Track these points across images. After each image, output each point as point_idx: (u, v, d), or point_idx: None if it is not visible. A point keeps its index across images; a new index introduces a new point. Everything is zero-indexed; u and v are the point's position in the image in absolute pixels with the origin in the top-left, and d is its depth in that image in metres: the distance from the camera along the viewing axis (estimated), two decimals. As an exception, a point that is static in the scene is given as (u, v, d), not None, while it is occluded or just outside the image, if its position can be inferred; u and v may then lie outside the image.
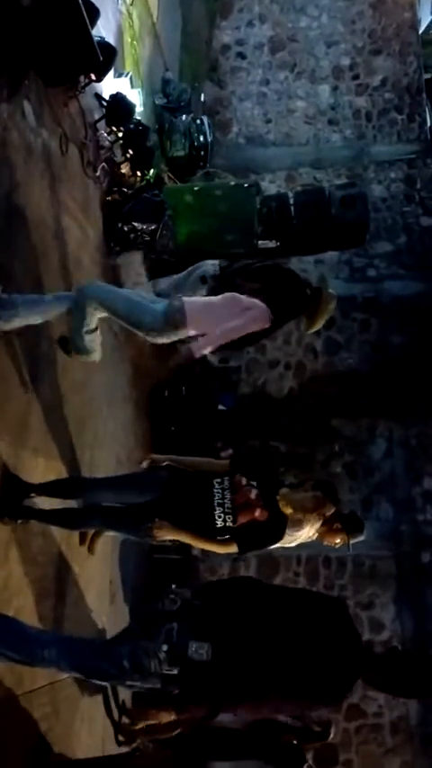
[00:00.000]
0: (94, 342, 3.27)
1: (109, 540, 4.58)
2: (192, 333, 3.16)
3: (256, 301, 3.23)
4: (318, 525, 3.58)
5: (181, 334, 3.17)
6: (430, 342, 7.49)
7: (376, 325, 7.73)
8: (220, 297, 3.29)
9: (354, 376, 7.53)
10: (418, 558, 6.84)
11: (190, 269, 3.77)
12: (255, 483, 3.01)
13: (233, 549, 2.95)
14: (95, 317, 3.16)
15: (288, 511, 3.03)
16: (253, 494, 3.00)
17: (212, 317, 3.17)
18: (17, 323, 3.10)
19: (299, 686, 2.46)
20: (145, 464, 3.19)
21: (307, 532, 3.61)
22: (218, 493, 3.00)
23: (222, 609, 2.65)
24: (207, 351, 3.27)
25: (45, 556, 3.49)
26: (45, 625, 3.37)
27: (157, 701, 3.49)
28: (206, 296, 3.47)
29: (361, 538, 3.63)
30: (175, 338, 3.19)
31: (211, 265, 3.71)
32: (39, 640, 2.63)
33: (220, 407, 6.99)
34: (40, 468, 3.50)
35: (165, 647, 2.47)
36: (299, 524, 3.19)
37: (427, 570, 6.80)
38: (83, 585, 4.02)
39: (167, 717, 3.83)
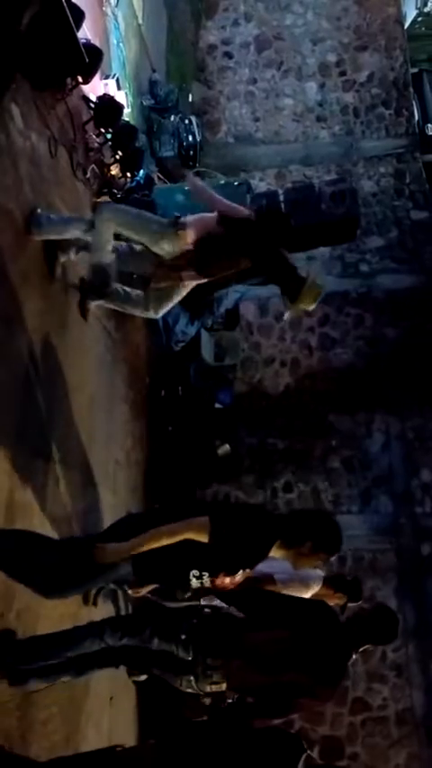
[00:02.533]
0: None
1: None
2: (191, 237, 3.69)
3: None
4: (318, 588, 3.73)
5: (183, 242, 3.71)
6: (424, 335, 7.52)
7: (370, 319, 7.75)
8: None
9: (349, 371, 7.55)
10: (419, 550, 6.85)
11: None
12: (243, 569, 2.75)
13: None
14: (111, 230, 3.76)
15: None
16: (238, 576, 2.77)
17: (207, 222, 3.75)
18: (50, 236, 3.74)
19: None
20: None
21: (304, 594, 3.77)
22: (196, 585, 2.76)
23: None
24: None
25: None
26: (45, 626, 3.38)
27: None
28: None
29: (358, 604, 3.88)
30: (178, 247, 3.71)
31: None
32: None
33: (217, 406, 7.00)
34: (39, 471, 3.52)
35: None
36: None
37: (427, 562, 6.81)
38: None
39: None
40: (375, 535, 6.83)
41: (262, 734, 2.29)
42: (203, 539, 2.61)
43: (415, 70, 9.70)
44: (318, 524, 2.82)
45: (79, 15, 4.21)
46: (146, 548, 2.65)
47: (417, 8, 12.67)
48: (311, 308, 3.72)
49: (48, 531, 3.52)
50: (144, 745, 3.65)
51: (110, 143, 5.19)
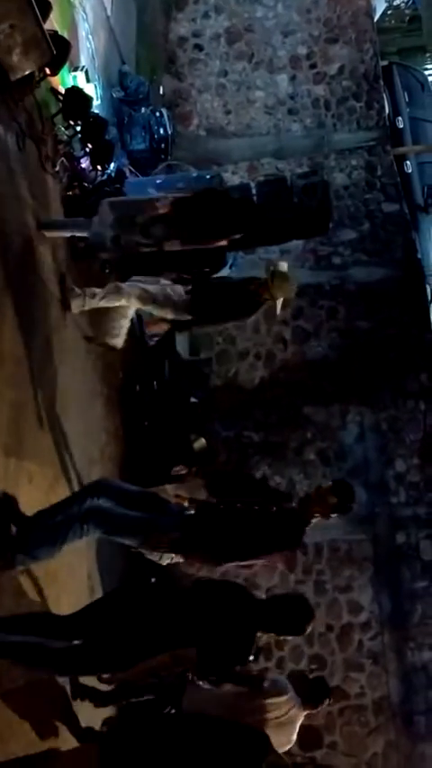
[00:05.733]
0: None
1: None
2: None
3: None
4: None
5: None
6: (397, 326, 7.59)
7: (343, 311, 7.80)
8: None
9: (323, 363, 7.60)
10: (393, 539, 6.94)
11: None
12: None
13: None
14: None
15: None
16: None
17: None
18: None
19: None
20: None
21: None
22: None
23: None
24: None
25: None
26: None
27: None
28: None
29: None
30: None
31: None
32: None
33: (193, 400, 6.99)
34: (11, 468, 3.48)
35: None
36: None
37: (402, 551, 6.90)
38: (60, 582, 4.00)
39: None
40: (351, 525, 6.88)
41: (225, 733, 2.20)
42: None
43: (385, 63, 9.74)
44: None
45: (46, 7, 4.15)
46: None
47: (386, 1, 12.73)
48: (292, 293, 4.13)
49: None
50: (86, 747, 3.59)
51: (79, 136, 5.13)
